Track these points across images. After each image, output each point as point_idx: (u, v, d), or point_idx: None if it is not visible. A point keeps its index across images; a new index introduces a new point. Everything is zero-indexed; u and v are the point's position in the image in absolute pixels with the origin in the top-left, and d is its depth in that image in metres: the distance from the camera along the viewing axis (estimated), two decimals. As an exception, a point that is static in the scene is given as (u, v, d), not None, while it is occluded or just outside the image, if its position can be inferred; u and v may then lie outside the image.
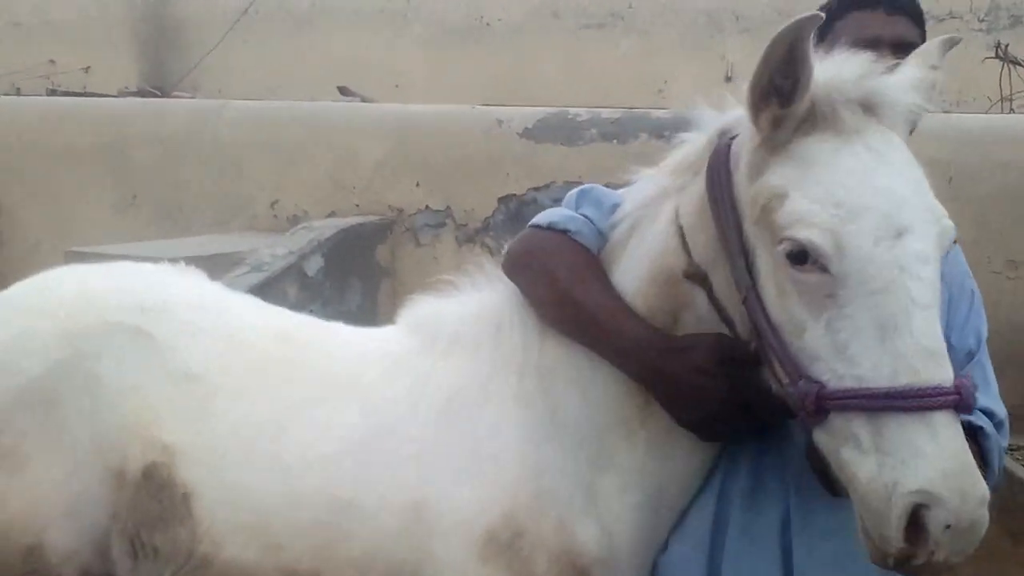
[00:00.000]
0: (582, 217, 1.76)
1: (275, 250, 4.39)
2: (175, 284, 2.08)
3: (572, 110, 5.00)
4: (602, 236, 1.74)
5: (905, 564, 1.25)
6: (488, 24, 10.47)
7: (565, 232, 1.73)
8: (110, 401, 1.83)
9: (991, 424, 1.69)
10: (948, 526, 1.20)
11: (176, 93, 7.87)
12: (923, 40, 1.80)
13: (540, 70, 10.24)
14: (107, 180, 5.29)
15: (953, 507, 1.19)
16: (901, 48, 1.72)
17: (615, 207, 1.74)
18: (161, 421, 1.81)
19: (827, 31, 1.76)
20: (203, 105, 5.89)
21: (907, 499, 1.20)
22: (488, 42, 10.39)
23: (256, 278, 4.10)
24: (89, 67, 10.30)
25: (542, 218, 1.80)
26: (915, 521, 1.21)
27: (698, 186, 1.56)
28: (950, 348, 1.59)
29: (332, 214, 5.04)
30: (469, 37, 10.28)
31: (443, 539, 1.61)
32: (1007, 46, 7.00)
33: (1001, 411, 1.74)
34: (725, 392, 1.50)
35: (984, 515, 1.22)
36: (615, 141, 4.69)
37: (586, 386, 1.65)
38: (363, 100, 7.78)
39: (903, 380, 1.24)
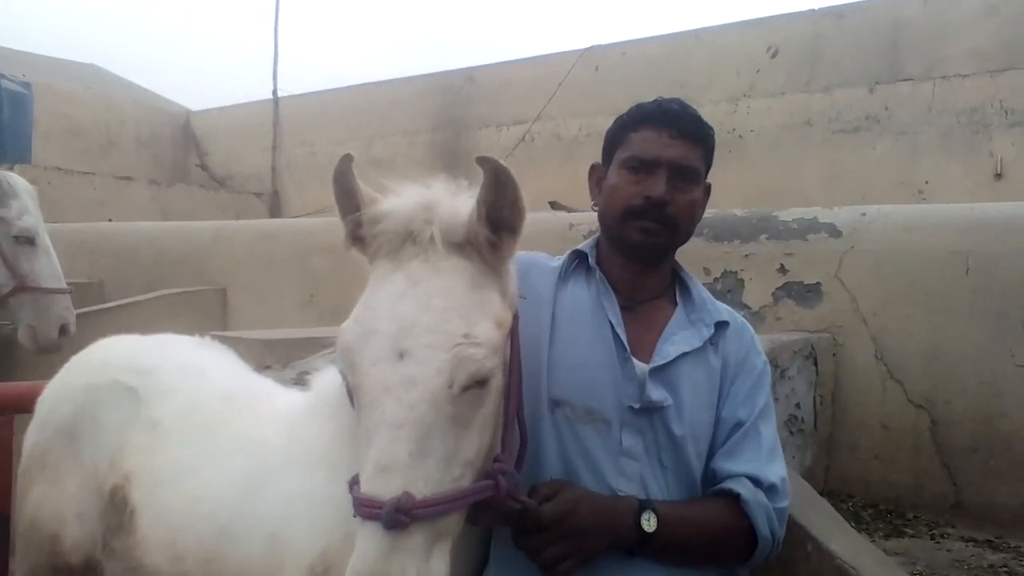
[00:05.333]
0: None
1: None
2: (179, 353, 2.52)
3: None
4: None
5: None
6: (741, 136, 10.74)
7: None
8: (103, 438, 2.31)
9: (752, 489, 1.77)
10: None
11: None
12: (706, 163, 1.93)
13: (797, 176, 10.27)
14: (294, 282, 6.74)
15: None
16: (679, 171, 1.87)
17: None
18: (127, 455, 2.24)
19: (622, 139, 1.94)
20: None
21: None
22: (744, 154, 10.61)
23: (331, 356, 5.06)
24: (398, 194, 12.37)
25: None
26: None
27: None
28: (719, 420, 1.86)
29: (443, 309, 5.93)
30: (724, 150, 10.58)
31: (286, 568, 1.84)
32: None
33: (770, 476, 1.80)
34: None
35: None
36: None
37: None
38: (569, 211, 8.63)
39: (360, 488, 1.37)
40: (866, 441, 4.38)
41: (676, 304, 1.97)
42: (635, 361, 1.85)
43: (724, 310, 1.99)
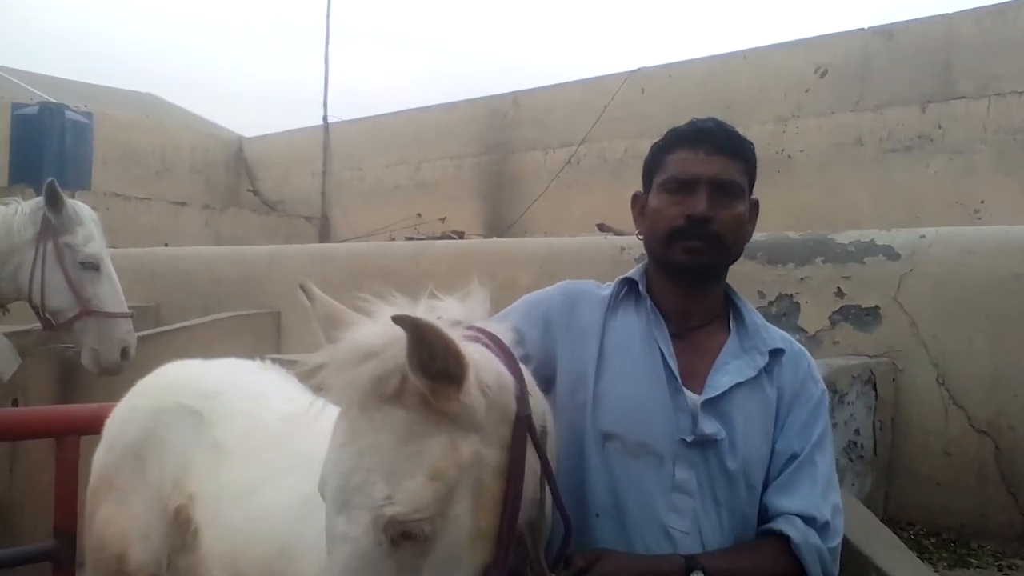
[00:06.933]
0: None
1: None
2: (242, 377, 2.60)
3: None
4: None
5: None
6: (790, 156, 10.64)
7: None
8: (168, 459, 2.38)
9: (804, 529, 1.72)
10: None
11: (469, 235, 9.41)
12: (748, 177, 1.90)
13: (848, 196, 10.15)
14: (348, 305, 6.77)
15: None
16: (719, 186, 1.83)
17: None
18: (191, 476, 2.31)
19: (659, 164, 1.92)
20: (413, 245, 7.26)
21: None
22: (793, 174, 10.51)
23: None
24: (445, 217, 12.47)
25: None
26: None
27: None
28: (774, 452, 1.81)
29: (492, 334, 5.96)
30: (773, 170, 10.50)
31: None
32: None
33: (824, 512, 1.75)
34: None
35: None
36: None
37: None
38: (616, 234, 8.63)
39: None
40: (927, 468, 4.29)
41: (729, 330, 1.93)
42: (687, 392, 1.81)
43: (779, 336, 1.94)
